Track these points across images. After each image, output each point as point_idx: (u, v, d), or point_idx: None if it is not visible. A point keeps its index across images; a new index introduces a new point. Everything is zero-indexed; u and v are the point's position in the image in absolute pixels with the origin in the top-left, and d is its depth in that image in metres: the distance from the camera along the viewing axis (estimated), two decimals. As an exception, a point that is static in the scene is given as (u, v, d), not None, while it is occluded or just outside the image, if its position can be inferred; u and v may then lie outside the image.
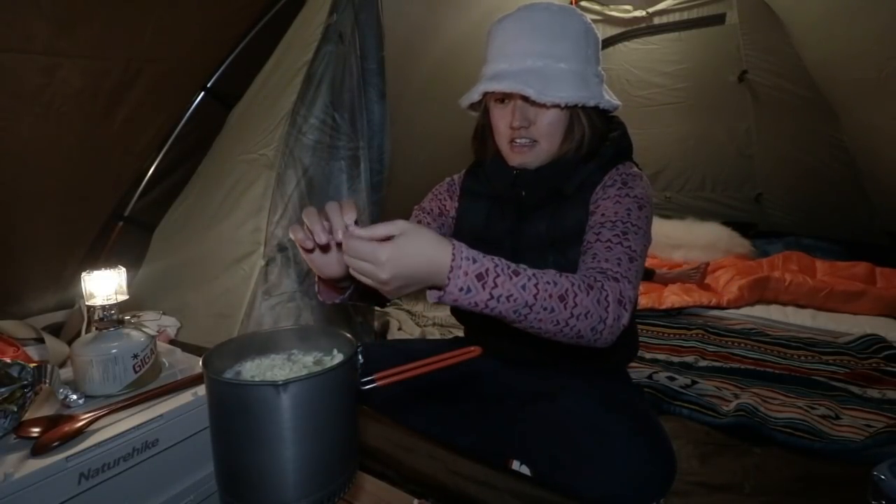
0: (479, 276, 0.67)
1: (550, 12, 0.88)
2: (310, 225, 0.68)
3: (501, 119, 0.92)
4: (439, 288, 0.67)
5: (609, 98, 0.91)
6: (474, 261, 0.67)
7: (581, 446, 0.80)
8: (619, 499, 0.76)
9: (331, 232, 0.66)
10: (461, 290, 0.66)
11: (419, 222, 1.03)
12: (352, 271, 0.65)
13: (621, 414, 0.84)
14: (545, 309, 0.69)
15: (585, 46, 0.89)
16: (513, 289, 0.68)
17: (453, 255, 0.66)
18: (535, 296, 0.69)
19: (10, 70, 1.06)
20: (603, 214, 0.86)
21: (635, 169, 0.94)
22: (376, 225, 0.64)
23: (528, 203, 0.97)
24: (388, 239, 0.63)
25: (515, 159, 0.94)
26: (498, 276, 0.68)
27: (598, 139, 0.93)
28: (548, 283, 0.70)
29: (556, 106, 0.87)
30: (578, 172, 0.92)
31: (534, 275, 0.70)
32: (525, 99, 0.87)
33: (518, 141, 0.91)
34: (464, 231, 1.05)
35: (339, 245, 0.66)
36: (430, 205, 1.08)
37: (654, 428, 0.86)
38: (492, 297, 0.67)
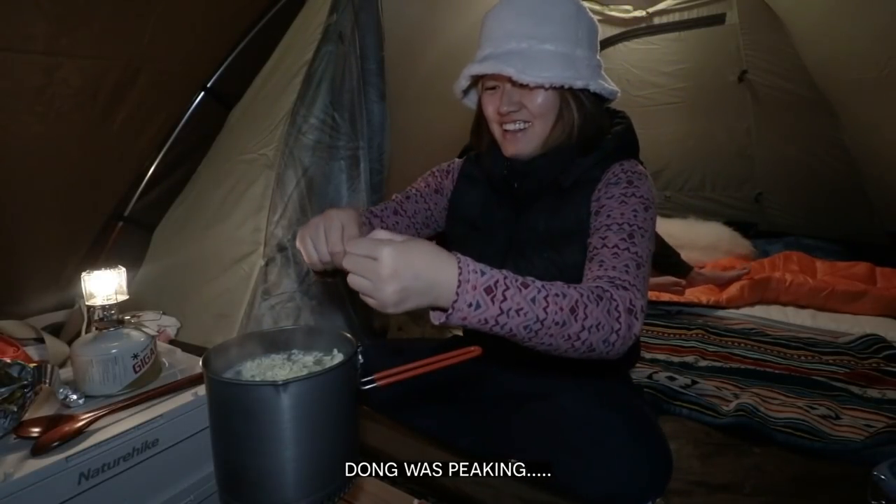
0: (488, 290, 0.62)
1: None
2: (311, 249, 0.81)
3: (491, 105, 0.92)
4: (444, 309, 0.63)
5: (603, 83, 0.88)
6: (482, 273, 0.63)
7: (577, 444, 0.80)
8: (617, 497, 0.76)
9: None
10: (470, 305, 0.62)
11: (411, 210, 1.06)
12: (351, 279, 0.62)
13: (617, 412, 0.83)
14: (556, 323, 0.65)
15: (575, 28, 0.87)
16: (522, 301, 0.63)
17: (460, 268, 0.62)
18: (545, 309, 0.64)
19: (10, 70, 1.06)
20: (609, 216, 0.83)
21: (640, 167, 0.92)
22: (376, 230, 0.64)
23: (524, 195, 0.95)
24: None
25: (509, 149, 0.93)
26: (507, 288, 0.63)
27: (594, 128, 0.91)
28: (557, 294, 0.66)
29: (541, 87, 0.86)
30: (576, 165, 0.91)
31: (543, 286, 0.66)
32: (512, 83, 0.86)
33: (509, 127, 0.91)
34: (458, 217, 1.04)
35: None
36: (422, 185, 1.08)
37: (650, 426, 0.86)
38: (502, 311, 0.63)
